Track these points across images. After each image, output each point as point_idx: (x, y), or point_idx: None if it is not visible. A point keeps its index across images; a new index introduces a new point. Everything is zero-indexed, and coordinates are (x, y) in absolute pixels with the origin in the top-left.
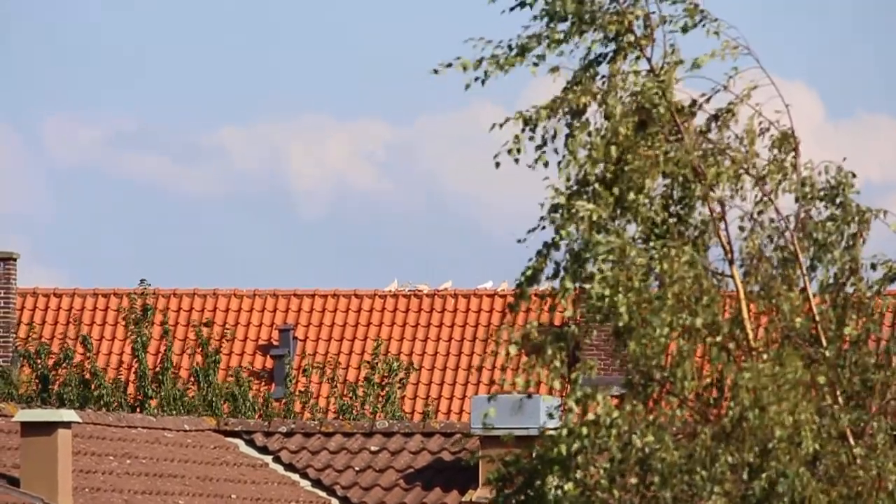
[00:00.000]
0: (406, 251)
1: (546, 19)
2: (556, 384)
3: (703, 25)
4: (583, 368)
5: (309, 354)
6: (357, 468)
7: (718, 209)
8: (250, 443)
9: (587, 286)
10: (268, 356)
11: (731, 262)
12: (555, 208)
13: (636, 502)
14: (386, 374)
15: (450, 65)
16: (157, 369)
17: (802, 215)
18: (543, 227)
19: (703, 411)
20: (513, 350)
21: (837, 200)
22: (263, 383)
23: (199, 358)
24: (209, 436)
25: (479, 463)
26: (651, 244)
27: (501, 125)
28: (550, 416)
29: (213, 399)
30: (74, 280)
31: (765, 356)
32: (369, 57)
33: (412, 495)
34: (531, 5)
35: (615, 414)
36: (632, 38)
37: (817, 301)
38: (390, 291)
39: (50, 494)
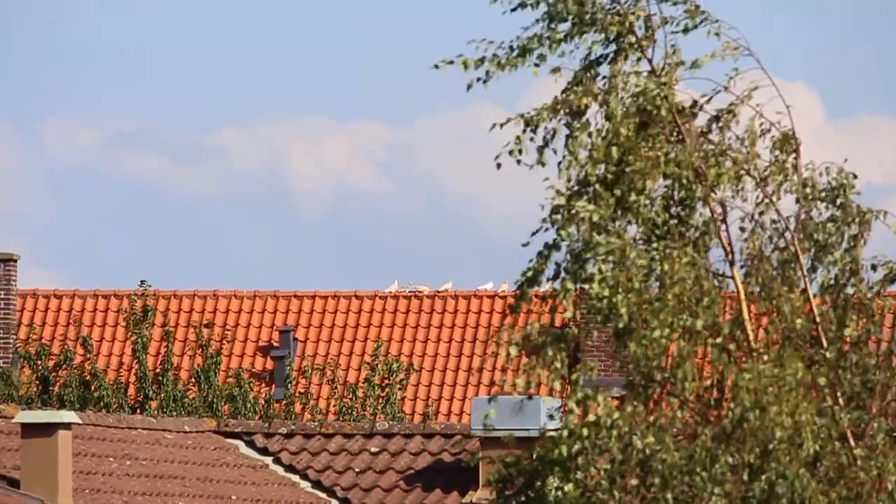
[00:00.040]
0: (406, 251)
1: (547, 20)
2: (557, 385)
3: (704, 26)
4: (583, 369)
5: (309, 356)
6: (357, 469)
7: (719, 210)
8: (250, 444)
9: (588, 287)
10: (268, 357)
11: (731, 264)
12: (555, 209)
13: (636, 503)
14: (386, 376)
15: (451, 62)
16: (158, 370)
17: (803, 216)
18: (546, 230)
19: (703, 412)
20: (513, 351)
21: (838, 201)
22: (264, 384)
23: (199, 359)
24: (209, 437)
25: (479, 464)
26: (652, 245)
27: (502, 125)
28: (551, 417)
29: (214, 400)
30: (74, 281)
31: (765, 357)
32: (369, 57)
33: (412, 496)
34: (532, 6)
35: (616, 415)
36: (633, 39)
37: (818, 302)
38: (390, 292)
39: (50, 496)
